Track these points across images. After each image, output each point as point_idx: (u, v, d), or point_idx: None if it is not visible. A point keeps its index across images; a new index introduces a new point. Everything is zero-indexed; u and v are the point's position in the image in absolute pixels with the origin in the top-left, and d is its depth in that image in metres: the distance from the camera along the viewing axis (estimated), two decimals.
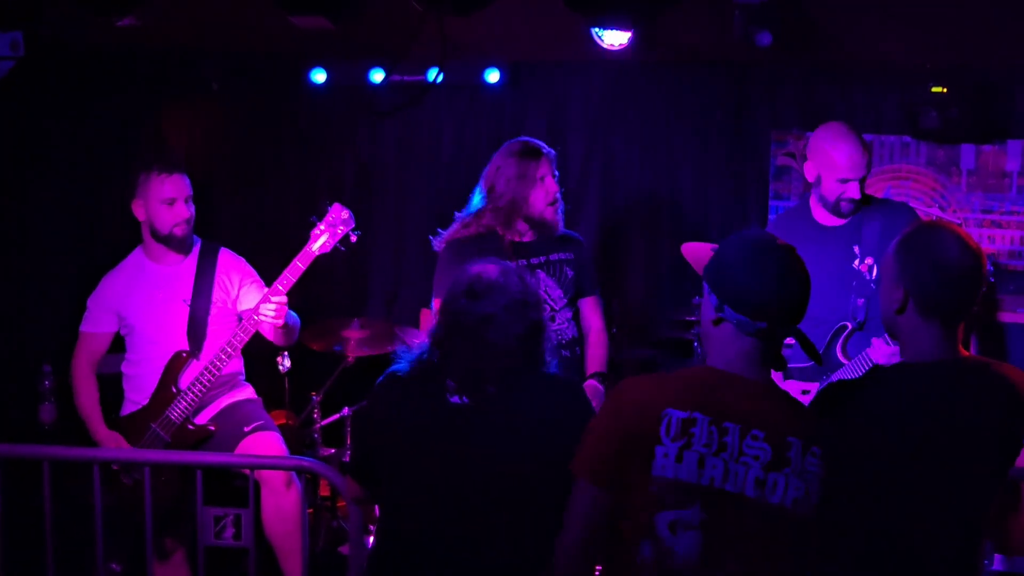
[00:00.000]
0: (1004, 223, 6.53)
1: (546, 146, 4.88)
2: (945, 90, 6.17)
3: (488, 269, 3.39)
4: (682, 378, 2.87)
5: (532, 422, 3.23)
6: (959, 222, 6.40)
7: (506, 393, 3.27)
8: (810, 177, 4.80)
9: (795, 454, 2.76)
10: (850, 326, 4.69)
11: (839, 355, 4.71)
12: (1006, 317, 6.02)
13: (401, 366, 3.42)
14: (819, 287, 4.69)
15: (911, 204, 6.32)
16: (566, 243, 4.97)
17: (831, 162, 4.69)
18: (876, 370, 3.16)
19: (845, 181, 4.68)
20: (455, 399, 3.28)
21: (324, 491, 6.43)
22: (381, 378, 3.46)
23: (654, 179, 7.12)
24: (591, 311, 5.07)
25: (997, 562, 5.53)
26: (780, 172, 6.88)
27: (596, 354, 5.04)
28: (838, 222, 4.79)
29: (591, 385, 4.89)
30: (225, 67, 6.89)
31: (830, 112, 6.48)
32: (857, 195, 4.69)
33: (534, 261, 4.83)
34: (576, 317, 5.02)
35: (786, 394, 2.95)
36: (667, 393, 2.80)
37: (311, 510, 5.90)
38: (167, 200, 4.84)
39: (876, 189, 6.60)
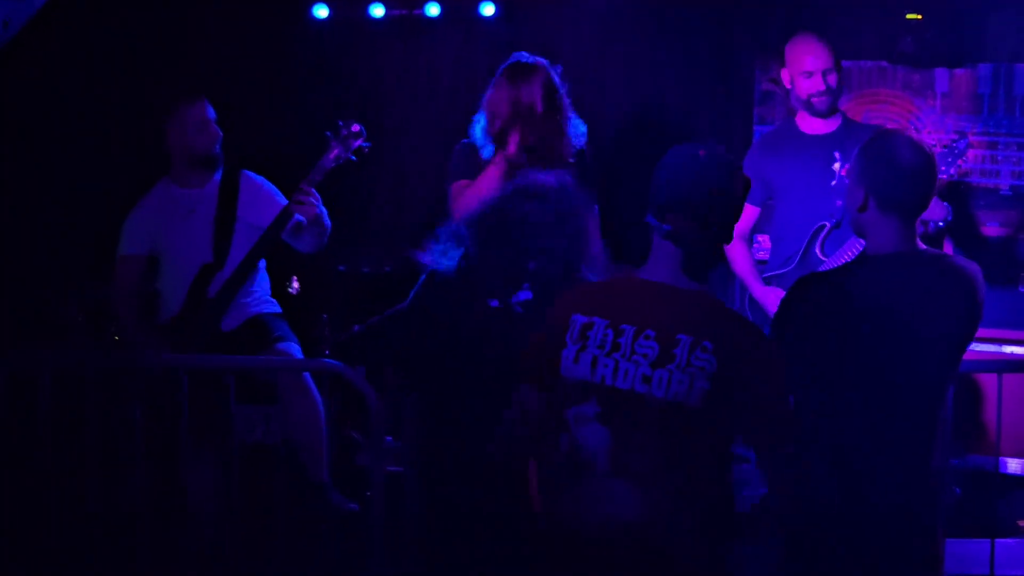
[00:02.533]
0: (976, 143, 6.81)
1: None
2: (920, 16, 6.46)
3: (546, 178, 3.63)
4: (597, 287, 3.14)
5: None
6: (933, 143, 6.71)
7: (541, 299, 3.50)
8: (787, 83, 5.21)
9: (681, 350, 2.91)
10: (828, 225, 5.01)
11: (818, 253, 5.03)
12: (981, 230, 6.32)
13: (443, 266, 3.67)
14: (801, 191, 5.09)
15: (888, 127, 6.65)
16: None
17: (796, 60, 5.14)
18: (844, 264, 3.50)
19: (809, 75, 5.07)
20: (494, 303, 3.54)
21: (337, 412, 6.77)
22: (423, 277, 3.73)
23: (643, 107, 7.35)
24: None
25: (1003, 465, 5.85)
26: (764, 97, 7.16)
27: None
28: (821, 131, 5.13)
29: None
30: (234, 4, 7.17)
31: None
32: (822, 86, 5.07)
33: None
34: None
35: (697, 296, 3.04)
36: (578, 302, 3.04)
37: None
38: (200, 123, 5.19)
39: (855, 113, 6.86)
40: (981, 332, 5.72)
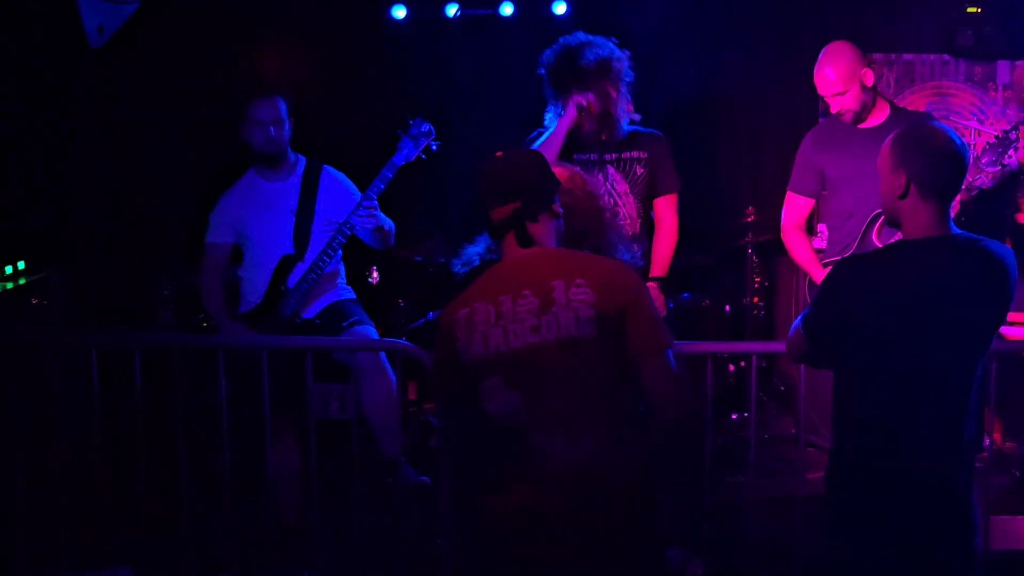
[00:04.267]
0: None
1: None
2: (979, 10, 6.55)
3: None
4: (473, 284, 3.42)
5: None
6: (997, 134, 6.80)
7: None
8: None
9: (559, 293, 3.24)
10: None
11: (875, 240, 5.16)
12: None
13: (475, 260, 3.96)
14: (855, 182, 5.23)
15: (952, 118, 6.79)
16: (640, 141, 5.31)
17: (816, 85, 5.30)
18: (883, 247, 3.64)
19: (829, 97, 5.25)
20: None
21: (412, 395, 7.02)
22: (461, 272, 3.99)
23: (712, 100, 7.55)
24: (664, 209, 5.36)
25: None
26: None
27: (660, 255, 5.31)
28: (871, 123, 5.26)
29: (651, 289, 5.17)
30: (316, 5, 7.46)
31: (875, 33, 6.88)
32: (836, 109, 5.26)
33: (607, 157, 5.25)
34: (647, 215, 5.33)
35: (554, 252, 3.42)
36: (457, 304, 3.37)
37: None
38: (257, 121, 5.40)
39: (918, 105, 7.01)
40: None
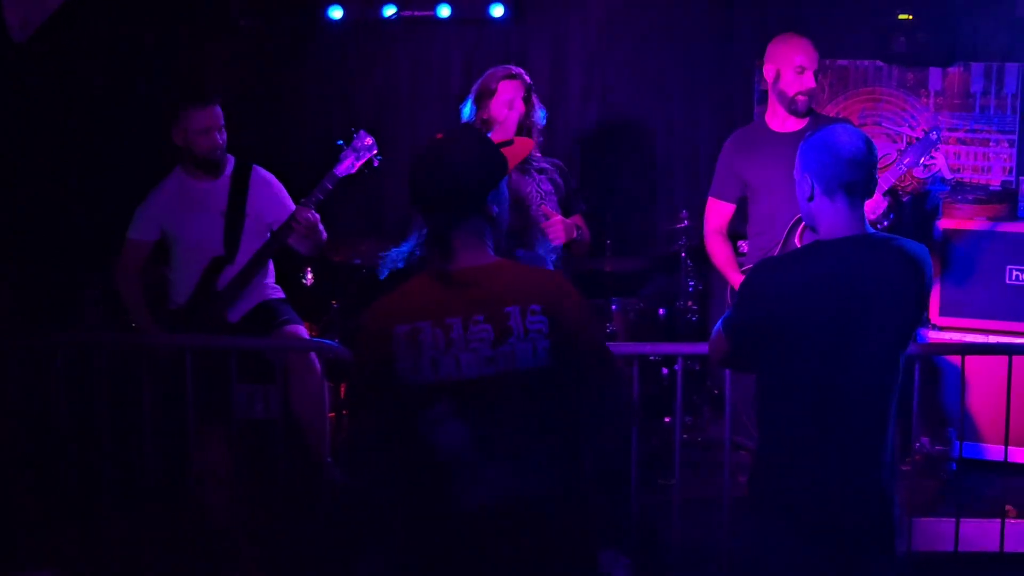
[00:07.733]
0: (968, 140, 7.00)
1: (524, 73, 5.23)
2: (911, 16, 6.62)
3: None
4: (404, 294, 3.10)
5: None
6: (918, 135, 6.88)
7: None
8: (769, 76, 5.31)
9: (515, 322, 3.00)
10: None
11: (797, 245, 5.19)
12: (970, 224, 6.44)
13: (399, 262, 3.83)
14: (775, 188, 5.24)
15: (884, 124, 6.85)
16: (551, 160, 5.32)
17: (788, 55, 5.24)
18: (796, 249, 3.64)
19: (802, 71, 5.20)
20: None
21: (343, 395, 6.99)
22: (384, 274, 3.94)
23: (648, 104, 7.56)
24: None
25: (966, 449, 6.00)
26: (764, 96, 7.29)
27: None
28: (792, 128, 5.28)
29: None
30: (250, 4, 7.41)
31: (810, 37, 6.89)
32: (812, 84, 5.22)
33: (530, 165, 5.20)
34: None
35: (499, 265, 3.12)
36: (392, 314, 3.05)
37: (332, 414, 6.42)
38: (203, 130, 5.37)
39: (852, 111, 7.07)
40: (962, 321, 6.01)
